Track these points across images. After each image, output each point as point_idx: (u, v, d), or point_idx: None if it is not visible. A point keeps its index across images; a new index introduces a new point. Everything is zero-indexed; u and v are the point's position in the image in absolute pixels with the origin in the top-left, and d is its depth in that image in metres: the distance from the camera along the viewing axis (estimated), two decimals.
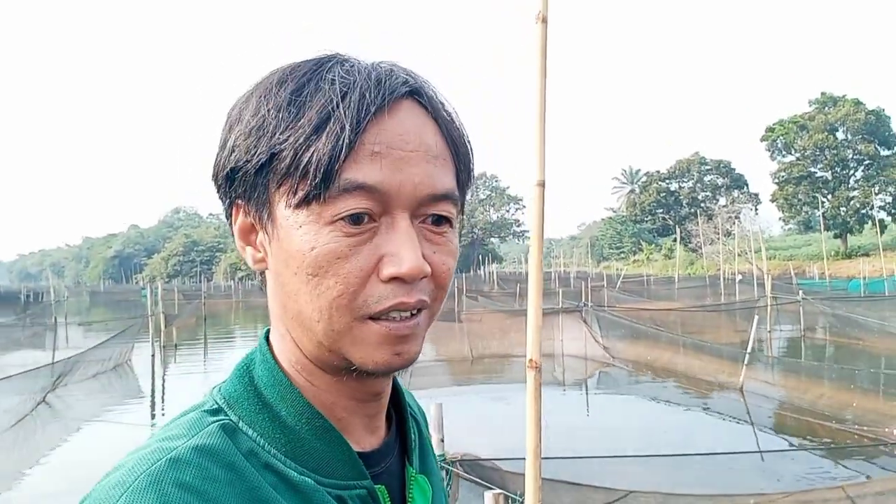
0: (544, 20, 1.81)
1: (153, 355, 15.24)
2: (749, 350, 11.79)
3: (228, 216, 0.68)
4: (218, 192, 0.67)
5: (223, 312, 39.44)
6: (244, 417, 0.63)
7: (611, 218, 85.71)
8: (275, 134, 0.60)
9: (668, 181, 76.75)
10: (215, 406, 0.64)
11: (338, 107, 0.59)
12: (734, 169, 74.28)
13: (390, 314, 0.61)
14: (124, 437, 9.44)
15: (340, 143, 0.58)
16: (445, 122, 0.66)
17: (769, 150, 56.58)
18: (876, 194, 50.03)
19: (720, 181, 74.41)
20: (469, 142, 0.69)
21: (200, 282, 63.16)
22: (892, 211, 51.93)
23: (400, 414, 0.77)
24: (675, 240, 60.42)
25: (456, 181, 0.66)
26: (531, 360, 2.30)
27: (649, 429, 10.08)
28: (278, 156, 0.60)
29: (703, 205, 71.29)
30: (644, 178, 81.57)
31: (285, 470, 0.61)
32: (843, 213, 51.52)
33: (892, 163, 50.50)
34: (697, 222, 58.95)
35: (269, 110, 0.61)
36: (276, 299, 0.66)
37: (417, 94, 0.64)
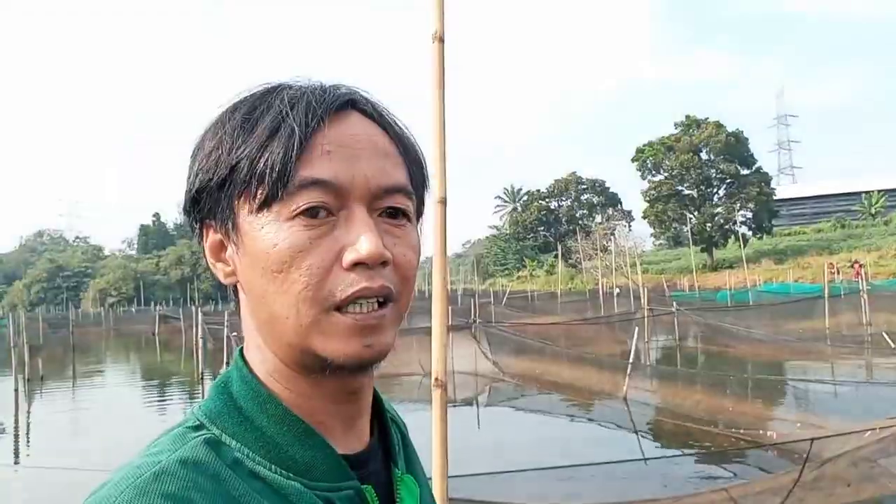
0: (441, 39, 1.85)
1: (16, 389, 14.16)
2: (632, 360, 12.16)
3: (200, 239, 0.70)
4: (188, 217, 0.70)
5: (93, 341, 37.20)
6: (226, 430, 0.64)
7: (495, 236, 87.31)
8: (231, 150, 0.64)
9: (547, 200, 79.24)
10: (197, 423, 0.64)
11: (287, 115, 0.63)
12: (609, 188, 77.70)
13: (357, 303, 0.63)
14: None
15: (292, 143, 0.62)
16: (391, 128, 0.69)
17: (640, 170, 59.14)
18: (738, 210, 53.55)
19: (596, 199, 77.58)
20: (418, 146, 0.73)
21: (67, 309, 58.98)
22: (752, 226, 55.80)
23: (381, 419, 0.77)
24: (556, 256, 62.23)
25: (410, 180, 0.69)
26: (436, 379, 2.17)
27: (540, 441, 10.15)
28: (236, 167, 0.64)
29: (580, 222, 73.96)
30: (525, 197, 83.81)
31: (272, 476, 0.61)
32: (708, 229, 54.70)
33: (751, 181, 54.11)
34: (576, 239, 60.93)
35: (225, 132, 0.65)
36: (249, 309, 0.68)
37: (361, 103, 0.68)
